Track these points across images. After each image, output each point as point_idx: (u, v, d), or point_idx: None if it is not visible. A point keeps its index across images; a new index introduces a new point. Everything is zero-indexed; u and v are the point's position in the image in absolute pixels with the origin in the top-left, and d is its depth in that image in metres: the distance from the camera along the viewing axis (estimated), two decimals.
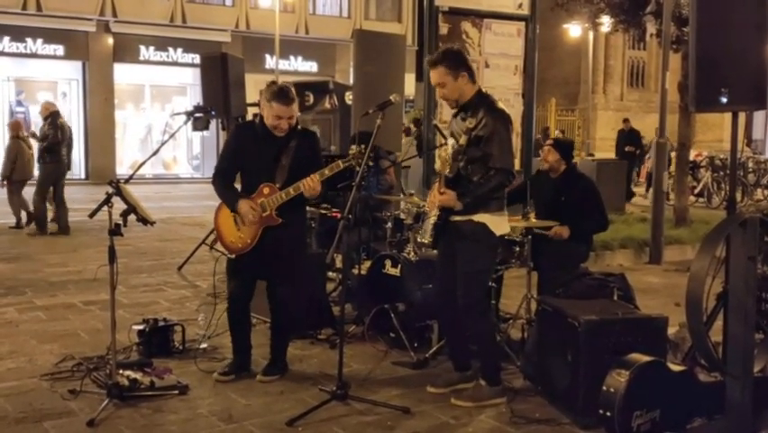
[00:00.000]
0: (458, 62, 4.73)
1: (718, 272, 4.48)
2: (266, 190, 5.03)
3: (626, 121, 22.22)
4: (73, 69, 24.80)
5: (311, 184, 4.88)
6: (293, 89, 5.11)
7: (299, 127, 5.20)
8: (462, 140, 4.68)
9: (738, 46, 4.77)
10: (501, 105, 4.79)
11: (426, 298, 5.71)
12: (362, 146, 4.92)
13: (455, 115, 4.89)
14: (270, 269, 5.15)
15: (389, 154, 7.93)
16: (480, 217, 4.71)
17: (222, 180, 5.20)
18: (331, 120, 12.67)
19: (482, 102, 4.75)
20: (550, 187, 6.46)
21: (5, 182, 12.39)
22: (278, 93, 4.98)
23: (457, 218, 4.75)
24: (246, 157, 5.14)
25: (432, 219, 4.81)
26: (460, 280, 4.79)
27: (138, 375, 4.94)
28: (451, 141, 4.77)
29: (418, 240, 5.46)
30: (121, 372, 4.90)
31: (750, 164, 20.66)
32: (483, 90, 4.86)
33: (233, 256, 5.16)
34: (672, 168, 12.51)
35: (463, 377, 5.09)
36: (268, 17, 25.61)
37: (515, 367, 5.40)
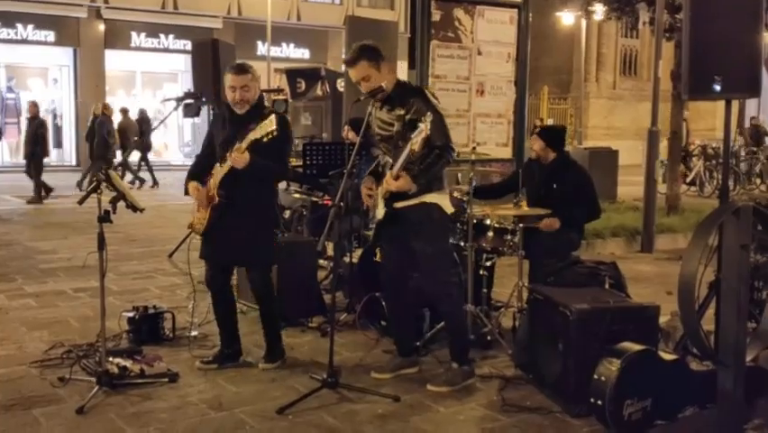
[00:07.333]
0: (377, 54, 4.86)
1: (711, 261, 4.48)
2: (215, 171, 5.01)
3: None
4: (64, 55, 24.64)
5: (234, 156, 4.79)
6: (252, 67, 5.12)
7: (266, 111, 5.07)
8: (397, 126, 4.76)
9: (732, 33, 4.74)
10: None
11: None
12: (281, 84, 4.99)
13: (380, 108, 4.91)
14: (232, 253, 5.07)
15: None
16: (430, 198, 4.80)
17: (193, 165, 5.26)
18: (323, 107, 12.66)
19: (406, 89, 4.89)
20: (542, 174, 6.42)
21: None
22: (232, 66, 5.08)
23: (405, 204, 4.78)
24: (215, 141, 5.13)
25: (380, 212, 4.87)
26: (428, 265, 4.85)
27: (128, 363, 4.92)
28: (423, 124, 4.67)
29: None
30: (110, 359, 4.88)
31: (742, 153, 20.66)
32: (400, 79, 4.98)
33: (200, 237, 5.18)
34: (664, 155, 12.48)
35: (407, 362, 5.16)
36: (260, 4, 25.46)
37: (506, 356, 5.40)
